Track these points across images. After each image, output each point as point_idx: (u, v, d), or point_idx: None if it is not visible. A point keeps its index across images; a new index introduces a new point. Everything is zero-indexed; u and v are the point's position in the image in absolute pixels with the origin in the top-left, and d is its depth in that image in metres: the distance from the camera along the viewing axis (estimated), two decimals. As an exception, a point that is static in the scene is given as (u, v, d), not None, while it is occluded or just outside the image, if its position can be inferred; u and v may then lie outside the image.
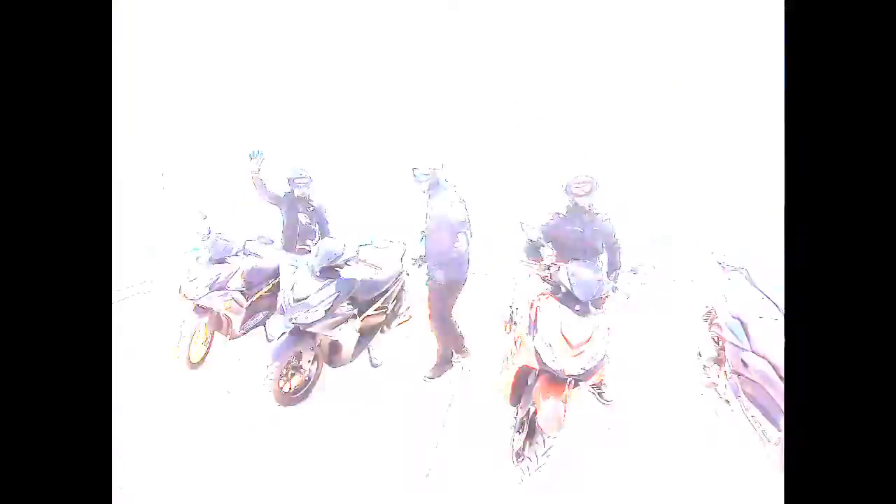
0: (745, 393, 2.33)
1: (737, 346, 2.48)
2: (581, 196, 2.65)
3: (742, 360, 2.39)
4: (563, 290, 2.16)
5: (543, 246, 2.77)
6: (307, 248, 3.11)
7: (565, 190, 2.70)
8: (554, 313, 2.05)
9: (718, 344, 2.78)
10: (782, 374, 2.14)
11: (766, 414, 2.14)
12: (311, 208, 3.46)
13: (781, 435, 1.98)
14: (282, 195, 3.49)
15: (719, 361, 2.66)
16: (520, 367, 2.17)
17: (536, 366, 2.01)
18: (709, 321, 2.97)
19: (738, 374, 2.42)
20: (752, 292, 2.65)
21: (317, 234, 3.42)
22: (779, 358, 2.21)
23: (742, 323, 2.51)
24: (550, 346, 1.94)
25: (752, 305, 2.54)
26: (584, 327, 2.01)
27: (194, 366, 3.06)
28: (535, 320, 2.08)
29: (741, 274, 2.84)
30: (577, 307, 2.08)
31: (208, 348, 3.22)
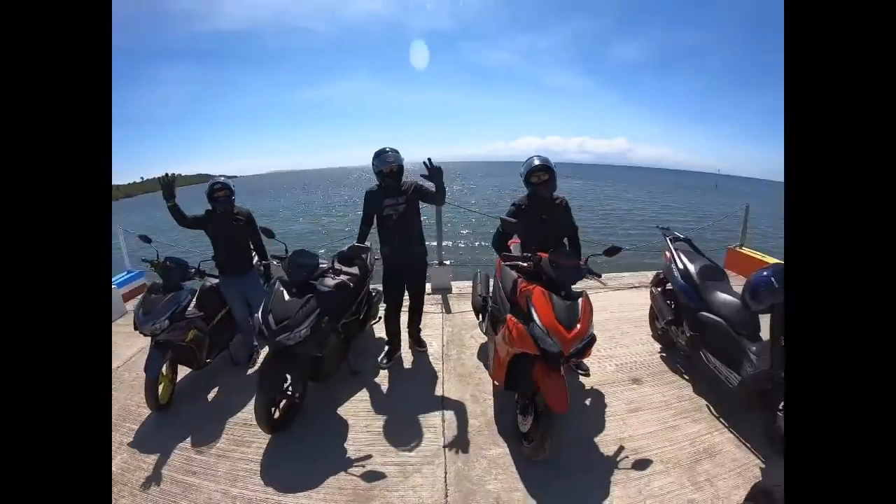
0: (704, 346, 2.66)
1: (690, 307, 2.81)
2: (540, 184, 2.68)
3: (698, 319, 2.72)
4: (545, 278, 2.30)
5: (516, 235, 2.84)
6: (271, 262, 2.88)
7: (524, 179, 2.72)
8: (545, 301, 2.18)
9: (672, 307, 3.12)
10: (736, 329, 2.48)
11: (726, 363, 2.46)
12: (241, 221, 3.08)
13: (740, 379, 2.31)
14: (203, 215, 3.06)
15: (677, 322, 2.99)
16: (514, 355, 2.29)
17: (534, 351, 2.13)
18: (661, 288, 3.31)
19: (694, 332, 2.76)
20: (698, 259, 3.01)
21: (252, 246, 3.20)
22: (728, 313, 2.56)
23: (693, 286, 2.84)
24: (547, 331, 2.07)
25: (698, 271, 2.88)
26: (572, 310, 2.17)
27: (163, 408, 2.77)
28: (528, 309, 2.19)
29: (685, 245, 3.20)
30: (563, 292, 2.24)
31: (174, 385, 2.94)
